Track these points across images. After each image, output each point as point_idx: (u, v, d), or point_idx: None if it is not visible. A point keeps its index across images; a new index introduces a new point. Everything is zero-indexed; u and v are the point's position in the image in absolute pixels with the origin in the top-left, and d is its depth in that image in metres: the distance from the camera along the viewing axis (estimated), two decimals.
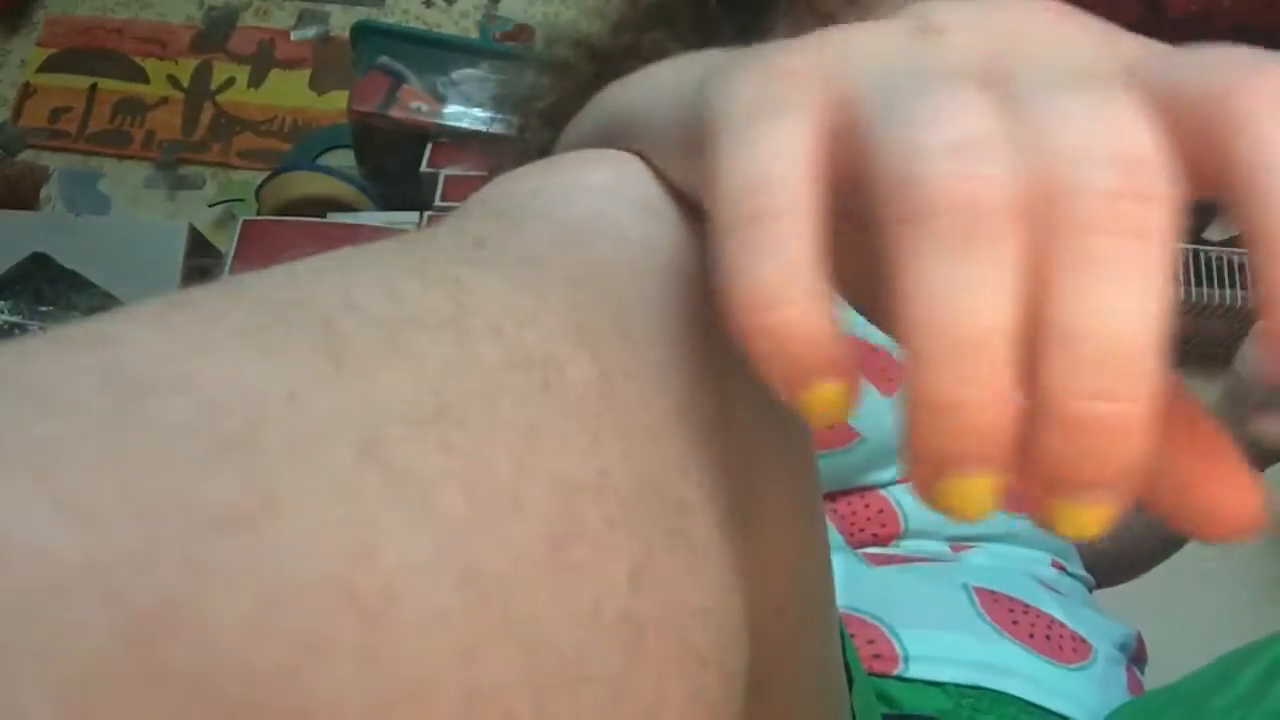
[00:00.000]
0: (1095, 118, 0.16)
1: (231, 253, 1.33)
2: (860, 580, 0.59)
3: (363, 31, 1.48)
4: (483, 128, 1.31)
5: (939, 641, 0.56)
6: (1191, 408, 0.18)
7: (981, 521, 0.70)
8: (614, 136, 0.29)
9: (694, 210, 0.25)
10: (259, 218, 1.41)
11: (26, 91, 1.66)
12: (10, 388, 0.13)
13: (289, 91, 1.67)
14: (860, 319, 0.23)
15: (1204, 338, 1.30)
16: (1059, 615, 0.59)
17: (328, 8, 1.72)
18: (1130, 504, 0.17)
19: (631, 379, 0.19)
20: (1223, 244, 1.28)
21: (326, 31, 1.70)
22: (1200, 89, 0.16)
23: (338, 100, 1.61)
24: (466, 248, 0.20)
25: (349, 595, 0.12)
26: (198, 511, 0.12)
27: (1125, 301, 0.15)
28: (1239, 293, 1.24)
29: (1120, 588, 0.81)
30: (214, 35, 1.70)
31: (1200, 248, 1.26)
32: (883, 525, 0.63)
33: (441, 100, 1.39)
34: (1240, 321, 1.26)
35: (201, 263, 1.41)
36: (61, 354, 0.14)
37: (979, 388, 0.16)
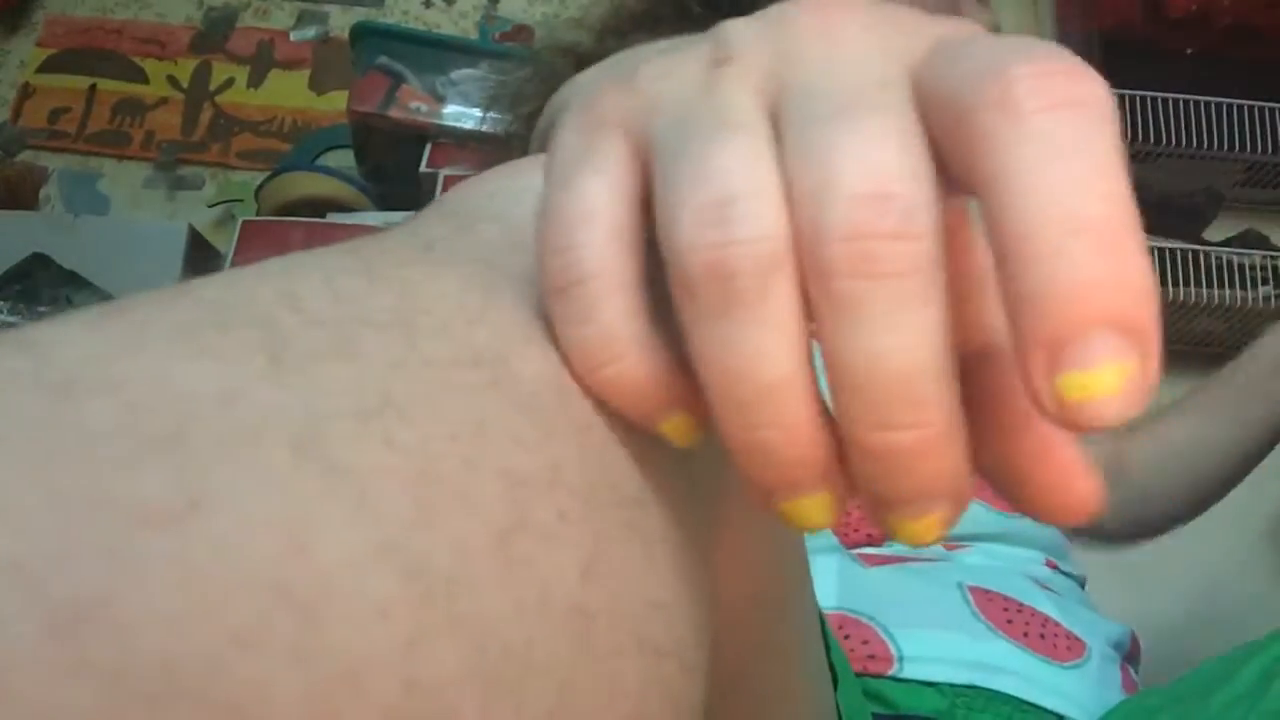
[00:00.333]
0: (841, 152, 0.16)
1: (231, 253, 1.33)
2: (855, 580, 0.59)
3: (362, 32, 1.48)
4: (482, 128, 1.31)
5: (934, 641, 0.56)
6: (1016, 397, 0.18)
7: (974, 521, 0.70)
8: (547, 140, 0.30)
9: None
10: (258, 218, 1.40)
11: (26, 92, 1.66)
12: None
13: (288, 92, 1.67)
14: None
15: (1204, 338, 1.30)
16: (1053, 614, 0.59)
17: (327, 8, 1.72)
18: (964, 506, 0.17)
19: None
20: (1223, 244, 1.28)
21: (326, 32, 1.70)
22: (954, 98, 0.16)
23: (337, 101, 1.61)
24: (417, 249, 0.20)
25: (281, 589, 0.12)
26: (122, 509, 0.12)
27: (887, 339, 0.15)
28: (1239, 293, 1.24)
29: (1117, 587, 0.81)
30: (213, 36, 1.70)
31: (1200, 248, 1.26)
32: (876, 525, 0.63)
33: (441, 101, 1.39)
34: (1240, 321, 1.26)
35: (201, 263, 1.41)
36: None
37: (778, 428, 0.16)
